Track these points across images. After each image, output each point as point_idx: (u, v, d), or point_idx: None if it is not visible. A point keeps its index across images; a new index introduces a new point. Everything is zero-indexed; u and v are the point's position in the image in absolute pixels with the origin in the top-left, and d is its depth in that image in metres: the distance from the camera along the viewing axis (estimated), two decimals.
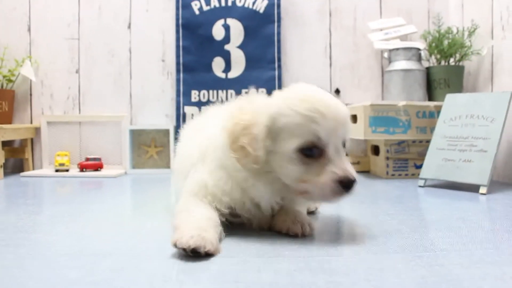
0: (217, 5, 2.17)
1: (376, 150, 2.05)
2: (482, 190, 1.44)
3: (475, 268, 0.72)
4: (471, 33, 1.90)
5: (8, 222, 1.07)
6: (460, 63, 1.97)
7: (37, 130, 2.22)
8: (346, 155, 0.88)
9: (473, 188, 1.50)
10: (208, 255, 0.76)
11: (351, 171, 0.84)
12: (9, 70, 2.14)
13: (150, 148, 2.21)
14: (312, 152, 0.84)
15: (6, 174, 2.08)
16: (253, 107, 0.87)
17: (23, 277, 0.69)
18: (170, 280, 0.67)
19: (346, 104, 2.12)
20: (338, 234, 0.97)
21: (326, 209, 1.22)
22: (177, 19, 2.18)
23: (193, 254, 0.75)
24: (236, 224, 0.95)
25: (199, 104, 2.16)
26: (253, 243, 0.86)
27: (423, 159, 1.68)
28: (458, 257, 0.78)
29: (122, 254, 0.80)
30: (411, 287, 0.64)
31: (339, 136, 0.84)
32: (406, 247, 0.84)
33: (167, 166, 2.19)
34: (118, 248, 0.84)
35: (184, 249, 0.75)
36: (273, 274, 0.69)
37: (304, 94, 0.87)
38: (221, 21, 2.17)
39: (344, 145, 0.88)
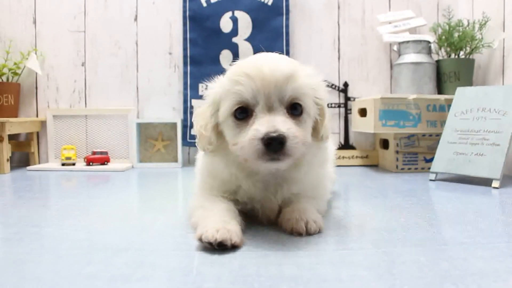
0: None
1: (385, 144, 2.03)
2: (495, 184, 1.43)
3: (497, 261, 0.71)
4: (482, 26, 1.88)
5: (19, 216, 1.06)
6: (471, 56, 1.95)
7: (43, 123, 2.21)
8: (297, 116, 0.82)
9: (485, 182, 1.49)
10: (234, 247, 0.75)
11: (279, 127, 0.75)
12: (15, 63, 2.12)
13: (157, 141, 2.19)
14: (242, 115, 0.81)
15: (12, 168, 2.07)
16: (208, 92, 0.90)
17: (39, 271, 0.68)
18: (190, 274, 0.66)
19: (353, 99, 2.14)
20: (355, 227, 0.96)
21: (339, 204, 1.21)
22: (184, 11, 2.16)
23: (219, 248, 0.74)
24: (247, 218, 0.93)
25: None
26: (271, 236, 0.85)
27: (433, 153, 1.66)
28: (480, 251, 0.77)
29: (137, 249, 0.79)
30: (436, 281, 0.63)
31: (271, 94, 0.79)
32: (426, 240, 0.83)
33: (175, 160, 2.17)
34: (132, 243, 0.83)
35: (210, 243, 0.74)
36: (295, 268, 0.68)
37: (241, 61, 0.85)
38: (229, 14, 2.14)
39: (293, 105, 0.81)
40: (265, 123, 0.76)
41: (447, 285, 0.61)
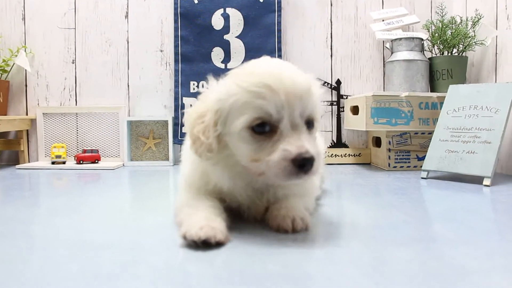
0: None
1: (378, 141, 2.03)
2: (486, 182, 1.42)
3: (485, 259, 0.70)
4: (475, 23, 1.87)
5: (7, 215, 1.04)
6: (464, 54, 1.95)
7: (33, 121, 2.18)
8: (310, 130, 0.81)
9: (477, 180, 1.48)
10: (218, 244, 0.74)
11: (308, 148, 0.75)
12: (4, 60, 2.10)
13: (148, 139, 2.17)
14: (263, 129, 0.77)
15: (1, 166, 2.05)
16: (208, 94, 0.85)
17: (25, 270, 0.66)
18: (174, 271, 0.64)
19: (346, 96, 2.13)
20: (343, 225, 0.94)
21: (330, 201, 1.20)
22: (176, 8, 2.14)
23: (204, 245, 0.73)
24: (234, 215, 0.91)
25: (198, 95, 2.12)
26: (257, 233, 0.84)
27: (425, 151, 1.65)
28: (467, 249, 0.76)
29: (124, 246, 0.77)
30: (423, 279, 0.62)
31: (295, 110, 0.77)
32: (414, 238, 0.82)
33: (166, 158, 2.16)
34: (119, 241, 0.81)
35: (194, 241, 0.73)
36: (280, 265, 0.66)
37: (253, 68, 0.81)
38: (220, 11, 2.13)
39: (308, 121, 0.80)
40: (293, 143, 0.75)
41: (433, 283, 0.60)
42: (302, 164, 0.74)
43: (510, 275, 0.63)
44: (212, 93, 0.83)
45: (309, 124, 0.80)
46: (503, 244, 0.80)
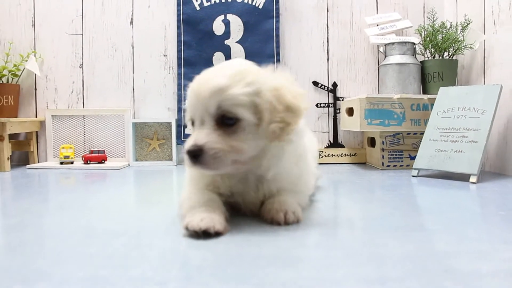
0: (217, 0, 2.22)
1: (372, 142, 2.11)
2: (472, 179, 1.51)
3: (460, 244, 0.78)
4: (464, 28, 1.96)
5: (22, 208, 1.13)
6: (454, 57, 2.03)
7: (42, 123, 2.28)
8: (232, 126, 0.86)
9: (464, 178, 1.57)
10: (217, 234, 0.83)
11: (196, 141, 0.85)
12: (14, 65, 2.19)
13: (153, 141, 2.26)
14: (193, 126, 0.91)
15: (12, 166, 2.14)
16: None
17: (45, 252, 0.75)
18: (179, 255, 0.73)
19: (342, 99, 2.22)
20: (334, 217, 1.03)
21: (323, 197, 1.28)
22: (179, 15, 2.24)
23: (204, 235, 0.81)
24: (232, 209, 0.99)
25: None
26: (253, 225, 0.92)
27: (417, 150, 1.74)
28: (446, 236, 0.84)
29: (133, 233, 0.87)
30: (398, 259, 0.70)
31: (202, 109, 0.86)
32: (397, 228, 0.91)
33: (169, 158, 2.25)
34: (128, 229, 0.91)
35: (195, 231, 0.81)
36: (274, 250, 0.75)
37: (201, 73, 0.93)
38: (221, 17, 2.22)
39: (224, 117, 0.86)
40: (192, 137, 0.87)
41: (408, 263, 0.68)
42: (193, 156, 0.85)
43: (480, 257, 0.71)
44: None
45: (227, 120, 0.86)
46: (478, 231, 0.88)
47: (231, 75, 0.87)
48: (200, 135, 0.86)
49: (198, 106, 0.87)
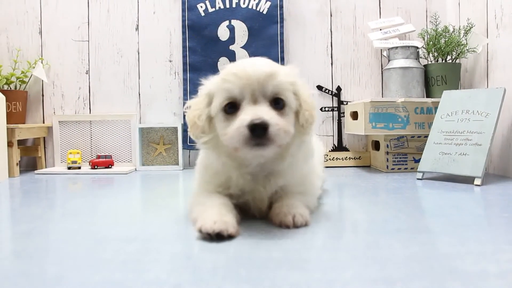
0: (222, 6, 2.25)
1: (377, 145, 2.13)
2: (477, 181, 1.52)
3: (464, 246, 0.80)
4: (467, 32, 1.97)
5: (34, 215, 1.15)
6: (457, 61, 2.05)
7: (49, 129, 2.31)
8: (279, 110, 0.91)
9: (468, 180, 1.58)
10: (230, 237, 0.85)
11: (262, 115, 0.85)
12: (22, 72, 2.22)
13: (159, 145, 2.29)
14: (231, 109, 0.91)
15: (20, 172, 2.17)
16: (202, 87, 1.00)
17: (61, 258, 0.77)
18: (191, 258, 0.75)
19: (346, 102, 2.24)
20: (340, 220, 1.05)
21: (330, 200, 1.30)
22: (184, 21, 2.27)
23: (217, 238, 0.83)
24: (242, 212, 1.01)
25: None
26: (263, 228, 0.94)
27: (421, 154, 1.75)
28: (450, 238, 0.86)
29: (144, 238, 0.89)
30: (403, 261, 0.72)
31: (255, 90, 0.89)
32: (401, 230, 0.92)
33: (176, 162, 2.27)
34: (139, 234, 0.93)
35: (209, 234, 0.83)
36: (282, 252, 0.77)
37: (231, 64, 0.96)
38: (226, 23, 2.25)
39: (275, 100, 0.91)
40: (250, 113, 0.86)
41: (413, 264, 0.70)
42: (254, 129, 0.84)
43: (481, 259, 0.73)
44: (205, 85, 1.00)
45: (277, 103, 0.92)
46: (482, 233, 0.90)
47: (272, 64, 0.94)
48: (262, 110, 0.87)
49: (248, 87, 0.89)
